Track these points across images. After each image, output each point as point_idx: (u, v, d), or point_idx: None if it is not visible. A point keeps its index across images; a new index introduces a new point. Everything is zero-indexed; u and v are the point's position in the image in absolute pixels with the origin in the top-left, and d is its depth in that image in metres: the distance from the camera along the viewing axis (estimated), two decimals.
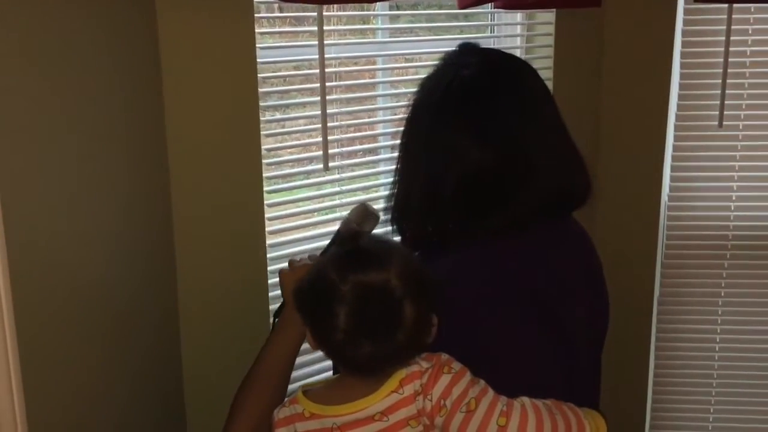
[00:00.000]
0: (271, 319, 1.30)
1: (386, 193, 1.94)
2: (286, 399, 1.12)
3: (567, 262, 1.25)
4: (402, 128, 1.27)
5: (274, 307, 1.78)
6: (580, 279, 1.27)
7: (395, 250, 1.06)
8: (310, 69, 1.81)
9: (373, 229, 1.30)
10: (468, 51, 1.28)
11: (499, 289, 1.15)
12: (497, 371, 1.08)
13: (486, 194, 1.18)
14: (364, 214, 1.30)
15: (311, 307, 1.05)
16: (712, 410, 2.53)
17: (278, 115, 1.81)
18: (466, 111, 1.19)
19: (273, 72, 1.78)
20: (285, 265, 1.29)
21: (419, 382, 1.01)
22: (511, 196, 1.17)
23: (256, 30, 1.63)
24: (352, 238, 1.10)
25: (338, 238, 1.28)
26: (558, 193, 1.22)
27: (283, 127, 1.83)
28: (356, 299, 0.99)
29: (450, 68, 1.24)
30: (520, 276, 1.17)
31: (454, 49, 1.29)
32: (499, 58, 1.29)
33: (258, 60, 1.64)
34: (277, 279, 1.76)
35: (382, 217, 1.30)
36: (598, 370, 1.33)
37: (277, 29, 1.84)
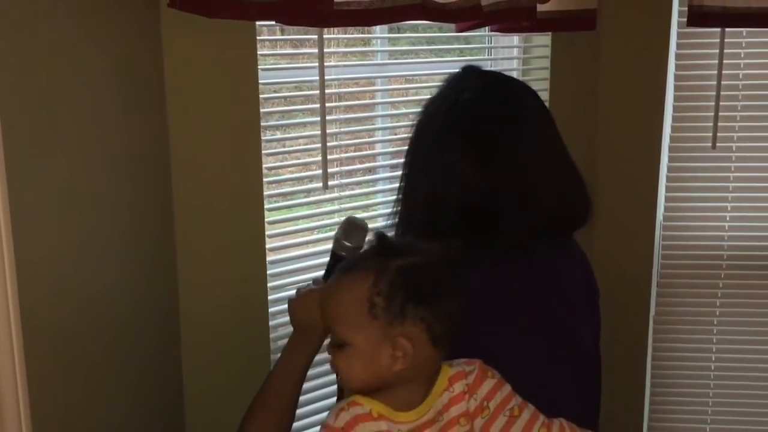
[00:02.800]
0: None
1: (385, 211, 1.99)
2: (335, 407, 1.03)
3: (569, 282, 1.27)
4: (405, 148, 1.30)
5: (274, 323, 1.82)
6: (582, 299, 1.29)
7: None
8: (310, 90, 1.84)
9: (364, 239, 1.32)
10: (470, 73, 1.30)
11: (502, 308, 1.16)
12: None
13: (486, 216, 1.19)
14: (350, 227, 1.32)
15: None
16: (708, 429, 2.54)
17: (279, 135, 1.84)
18: (466, 134, 1.21)
19: (274, 92, 1.81)
20: (291, 292, 1.31)
21: (465, 381, 1.02)
22: (511, 218, 1.19)
23: (258, 51, 1.67)
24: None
25: (332, 257, 1.31)
26: (558, 215, 1.24)
27: (284, 146, 1.87)
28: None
29: (452, 90, 1.27)
30: (523, 295, 1.19)
31: (457, 71, 1.31)
32: (500, 81, 1.32)
33: (260, 81, 1.67)
34: (277, 296, 1.81)
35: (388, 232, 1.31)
36: (599, 388, 1.34)
37: (278, 51, 1.88)
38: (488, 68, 1.39)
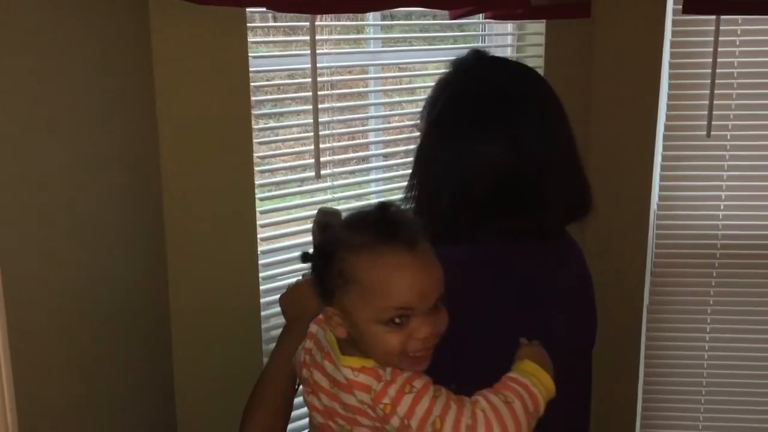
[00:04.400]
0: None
1: (377, 199, 1.98)
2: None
3: (563, 273, 1.27)
4: (421, 132, 1.29)
5: (266, 313, 1.81)
6: (573, 291, 1.29)
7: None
8: (302, 78, 1.82)
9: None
10: (484, 59, 1.31)
11: (493, 288, 1.17)
12: (479, 363, 1.11)
13: (512, 198, 1.20)
14: (324, 218, 1.32)
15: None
16: (701, 417, 2.55)
17: (271, 123, 1.83)
18: (498, 118, 1.21)
19: (266, 81, 1.79)
20: (283, 282, 1.32)
21: (375, 383, 1.01)
22: (541, 202, 1.21)
23: (249, 39, 1.65)
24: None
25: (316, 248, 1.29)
26: (574, 204, 1.25)
27: (276, 135, 1.85)
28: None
29: (468, 76, 1.27)
30: (521, 278, 1.20)
31: (463, 55, 1.31)
32: (521, 68, 1.33)
33: (251, 69, 1.66)
34: (269, 286, 1.80)
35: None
36: (588, 378, 1.34)
37: (270, 38, 1.86)
38: (496, 55, 1.38)
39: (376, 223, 1.02)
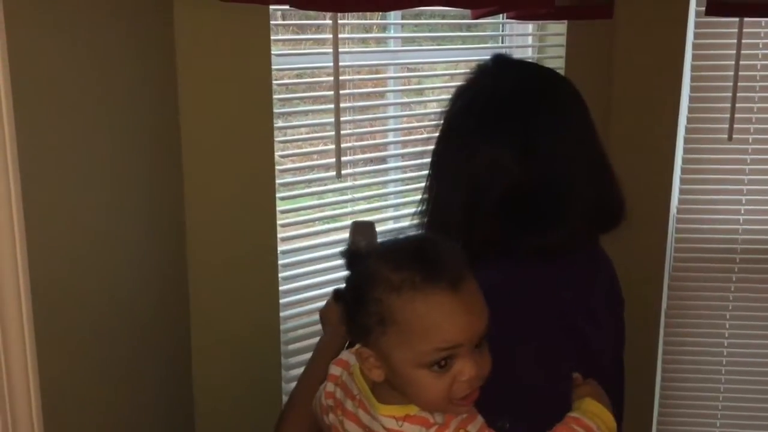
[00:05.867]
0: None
1: (396, 201, 1.97)
2: None
3: (599, 291, 1.23)
4: (436, 138, 1.23)
5: (285, 314, 1.80)
6: (609, 309, 1.25)
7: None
8: (321, 77, 1.81)
9: (375, 235, 1.29)
10: (504, 63, 1.25)
11: (528, 316, 1.11)
12: (528, 394, 1.07)
13: (527, 212, 1.14)
14: (358, 229, 1.29)
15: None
16: (718, 424, 2.52)
17: (292, 122, 1.81)
18: (507, 126, 1.15)
19: (288, 79, 1.78)
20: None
21: (424, 430, 0.95)
22: (554, 216, 1.14)
23: (272, 37, 1.63)
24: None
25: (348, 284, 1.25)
26: (597, 215, 1.18)
27: (297, 133, 1.83)
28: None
29: (486, 81, 1.21)
30: (549, 302, 1.14)
31: (486, 60, 1.25)
32: (538, 72, 1.26)
33: (273, 66, 1.64)
34: (288, 287, 1.79)
35: (415, 228, 1.25)
36: (622, 387, 1.30)
37: (292, 36, 1.84)
38: (519, 58, 1.32)
39: (416, 259, 0.93)
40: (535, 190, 1.13)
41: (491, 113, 1.17)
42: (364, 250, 1.01)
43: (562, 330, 1.13)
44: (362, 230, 1.34)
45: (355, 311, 0.96)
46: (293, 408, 1.20)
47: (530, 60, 2.17)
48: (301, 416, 1.18)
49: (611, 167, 1.22)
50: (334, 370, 1.08)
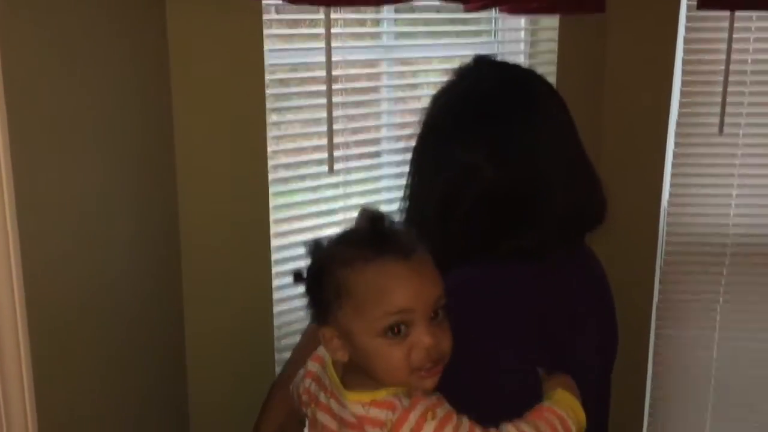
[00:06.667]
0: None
1: (389, 196, 1.97)
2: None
3: (579, 291, 1.21)
4: (414, 140, 1.22)
5: (278, 309, 1.79)
6: (594, 309, 1.23)
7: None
8: (315, 72, 1.80)
9: None
10: (484, 65, 1.24)
11: (505, 314, 1.10)
12: (489, 398, 1.05)
13: (502, 214, 1.13)
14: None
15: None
16: (709, 417, 2.54)
17: (284, 117, 1.80)
18: (481, 128, 1.15)
19: (281, 74, 1.77)
20: None
21: (391, 414, 0.96)
22: (530, 218, 1.13)
23: (264, 32, 1.63)
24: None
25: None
26: (576, 216, 1.17)
27: (289, 129, 1.83)
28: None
29: (465, 83, 1.21)
30: (529, 303, 1.12)
31: (467, 62, 1.24)
32: (517, 74, 1.25)
33: (265, 62, 1.64)
34: (282, 282, 1.78)
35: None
36: (607, 396, 1.29)
37: (285, 31, 1.82)
38: (500, 59, 1.31)
39: (369, 236, 0.99)
40: (510, 193, 1.12)
41: (467, 115, 1.16)
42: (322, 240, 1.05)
43: (538, 329, 1.12)
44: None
45: (314, 291, 1.01)
46: (272, 403, 1.23)
47: (521, 54, 2.18)
48: (284, 397, 1.19)
49: (591, 167, 1.20)
50: (311, 366, 1.10)
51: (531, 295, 1.13)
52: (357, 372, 1.00)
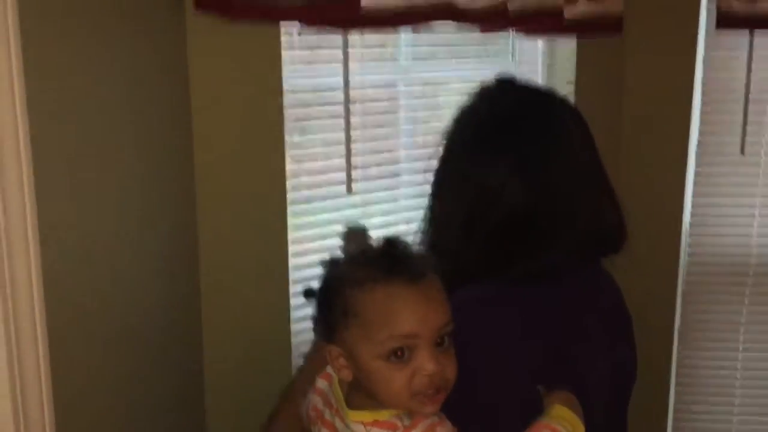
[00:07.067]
0: None
1: (408, 215, 1.97)
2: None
3: (594, 314, 1.20)
4: (435, 160, 1.22)
5: (296, 328, 1.81)
6: (607, 333, 1.22)
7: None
8: (333, 92, 1.82)
9: (367, 240, 1.30)
10: (506, 86, 1.24)
11: (511, 333, 1.10)
12: (496, 420, 1.05)
13: (523, 236, 1.13)
14: (353, 236, 1.30)
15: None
16: None
17: (303, 138, 1.82)
18: (506, 149, 1.14)
19: (302, 95, 1.79)
20: None
21: None
22: (549, 241, 1.13)
23: (286, 54, 1.65)
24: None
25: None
26: (596, 240, 1.17)
27: (306, 149, 1.85)
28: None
29: (487, 103, 1.21)
30: (542, 326, 1.12)
31: (489, 81, 1.24)
32: (540, 95, 1.25)
33: (284, 85, 1.66)
34: (300, 302, 1.79)
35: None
36: (624, 420, 1.27)
37: (302, 53, 1.85)
38: (523, 79, 1.31)
39: (380, 258, 0.99)
40: (535, 215, 1.12)
41: (492, 136, 1.16)
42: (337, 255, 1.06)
43: (546, 349, 1.11)
44: (354, 237, 1.34)
45: (323, 309, 1.01)
46: (279, 414, 1.23)
47: (539, 75, 2.18)
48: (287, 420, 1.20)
49: (612, 190, 1.20)
50: (320, 383, 1.11)
51: (538, 315, 1.12)
52: (361, 391, 1.00)
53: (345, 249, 1.28)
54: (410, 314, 0.95)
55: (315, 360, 1.22)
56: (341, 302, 0.98)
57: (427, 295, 0.97)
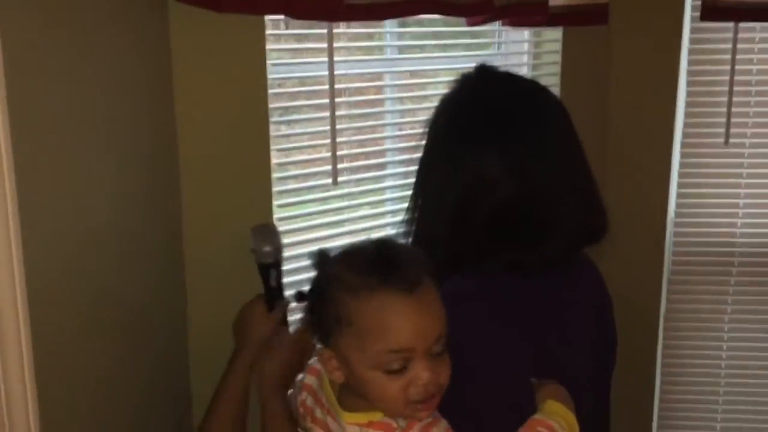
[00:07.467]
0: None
1: (393, 207, 1.98)
2: None
3: (576, 304, 1.21)
4: (420, 150, 1.22)
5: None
6: (588, 322, 1.23)
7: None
8: (319, 85, 1.82)
9: (279, 238, 1.33)
10: (488, 74, 1.24)
11: (497, 326, 1.10)
12: (481, 408, 1.06)
13: (512, 227, 1.13)
14: (259, 233, 1.31)
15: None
16: (718, 427, 2.53)
17: (288, 130, 1.82)
18: (495, 140, 1.14)
19: (281, 87, 1.79)
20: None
21: None
22: (537, 232, 1.13)
23: (267, 46, 1.65)
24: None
25: (263, 272, 1.30)
26: (581, 230, 1.17)
27: (291, 141, 1.85)
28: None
29: (471, 92, 1.20)
30: (522, 316, 1.13)
31: (469, 70, 1.24)
32: (524, 86, 1.25)
33: (268, 76, 1.66)
34: (285, 293, 1.79)
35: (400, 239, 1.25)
36: (606, 411, 1.29)
37: (287, 45, 1.85)
38: (503, 69, 1.30)
39: (375, 263, 0.97)
40: (521, 207, 1.12)
41: (479, 126, 1.16)
42: (319, 252, 1.05)
43: (528, 340, 1.12)
44: (264, 234, 1.35)
45: (316, 312, 1.01)
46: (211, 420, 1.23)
47: (524, 65, 2.19)
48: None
49: (594, 180, 1.21)
50: (308, 379, 1.11)
51: (524, 307, 1.13)
52: (352, 391, 1.00)
53: (257, 249, 1.28)
54: (406, 328, 0.94)
55: (238, 363, 1.25)
56: (334, 309, 0.97)
57: (422, 305, 0.95)
